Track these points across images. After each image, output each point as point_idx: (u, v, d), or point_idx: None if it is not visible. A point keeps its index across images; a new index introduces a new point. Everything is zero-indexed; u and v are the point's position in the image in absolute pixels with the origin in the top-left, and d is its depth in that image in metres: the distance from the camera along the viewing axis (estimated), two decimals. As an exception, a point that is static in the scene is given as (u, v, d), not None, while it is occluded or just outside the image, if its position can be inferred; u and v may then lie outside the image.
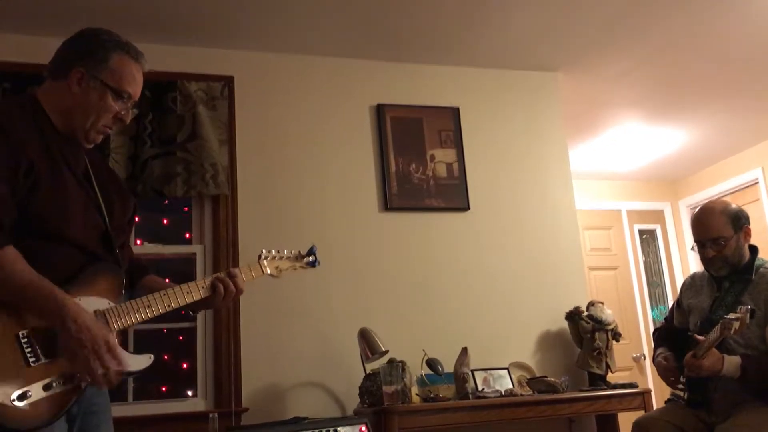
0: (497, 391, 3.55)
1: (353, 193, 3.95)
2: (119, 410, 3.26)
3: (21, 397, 1.61)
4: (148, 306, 1.89)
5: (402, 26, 3.85)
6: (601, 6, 3.77)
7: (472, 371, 3.62)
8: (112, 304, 1.83)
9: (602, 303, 3.98)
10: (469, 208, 4.10)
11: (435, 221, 4.04)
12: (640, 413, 3.30)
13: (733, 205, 2.97)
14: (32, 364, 1.65)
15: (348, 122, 4.06)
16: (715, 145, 6.04)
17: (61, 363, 1.70)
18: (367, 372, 3.46)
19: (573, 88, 4.67)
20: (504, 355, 3.88)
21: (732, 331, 2.56)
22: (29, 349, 1.66)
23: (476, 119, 4.27)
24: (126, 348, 1.84)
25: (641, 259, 6.82)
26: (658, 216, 6.99)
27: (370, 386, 3.38)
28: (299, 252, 2.31)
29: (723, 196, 6.27)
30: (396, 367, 3.29)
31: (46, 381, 1.66)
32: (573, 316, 3.91)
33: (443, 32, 3.95)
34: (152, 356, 1.87)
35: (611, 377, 3.88)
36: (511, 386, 3.67)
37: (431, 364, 3.51)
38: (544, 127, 4.43)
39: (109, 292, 1.84)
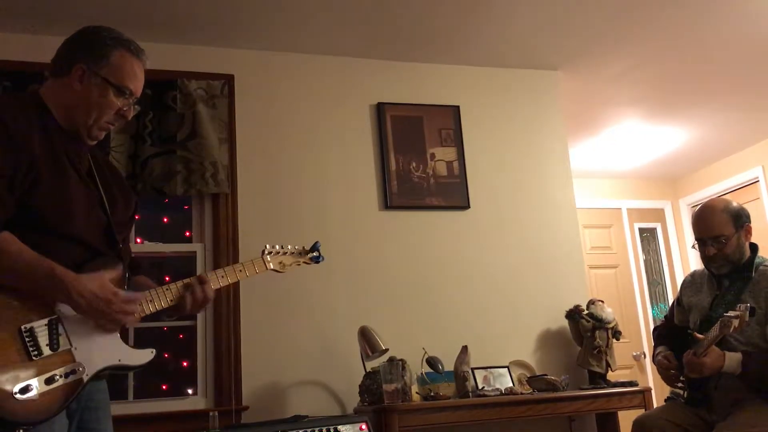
0: (497, 389, 3.55)
1: (353, 192, 3.95)
2: (119, 408, 3.27)
3: (23, 391, 1.62)
4: (151, 301, 1.91)
5: (402, 25, 3.85)
6: (601, 5, 3.77)
7: (473, 369, 3.62)
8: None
9: (602, 301, 3.98)
10: (469, 207, 4.10)
11: (435, 220, 4.04)
12: (641, 412, 3.30)
13: (734, 203, 2.97)
14: (34, 358, 1.66)
15: (348, 121, 4.05)
16: (715, 143, 6.03)
17: (63, 356, 1.71)
18: (368, 370, 3.46)
19: (573, 87, 4.67)
20: (504, 354, 3.88)
21: (731, 329, 2.56)
22: (31, 343, 1.67)
23: (476, 118, 4.27)
24: (127, 344, 1.86)
25: (641, 257, 6.82)
26: (658, 214, 6.99)
27: (371, 384, 3.38)
28: (303, 247, 2.31)
29: (723, 195, 6.27)
30: (396, 365, 3.30)
31: (48, 375, 1.67)
32: (573, 314, 3.91)
33: (443, 31, 3.95)
34: (154, 351, 1.90)
35: (611, 376, 3.88)
36: (511, 385, 3.67)
37: (431, 362, 3.52)
38: (545, 125, 4.43)
39: None
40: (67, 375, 1.70)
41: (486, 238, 4.10)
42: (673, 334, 3.12)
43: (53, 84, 1.91)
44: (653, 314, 6.64)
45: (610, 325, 3.87)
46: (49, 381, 1.67)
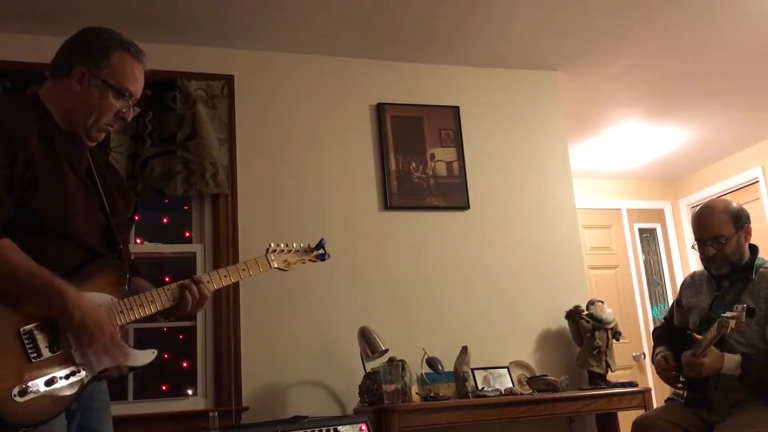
0: (497, 390, 3.55)
1: (353, 192, 3.95)
2: (119, 409, 3.27)
3: (22, 393, 1.62)
4: (152, 301, 1.90)
5: (402, 25, 3.85)
6: (601, 5, 3.77)
7: (472, 370, 3.62)
8: (115, 300, 1.84)
9: (602, 302, 3.98)
10: (469, 207, 4.10)
11: (435, 220, 4.04)
12: (640, 412, 3.30)
13: (734, 204, 2.97)
14: (33, 360, 1.66)
15: (348, 121, 4.06)
16: (715, 143, 6.04)
17: (62, 358, 1.71)
18: (367, 371, 3.46)
19: (573, 87, 4.67)
20: (504, 354, 3.88)
21: (729, 329, 2.56)
22: (30, 345, 1.67)
23: (476, 118, 4.27)
24: (128, 345, 1.86)
25: (641, 257, 6.82)
26: (658, 215, 6.99)
27: (370, 385, 3.38)
28: (309, 245, 2.30)
29: (723, 195, 6.27)
30: (396, 365, 3.29)
31: (48, 377, 1.67)
32: (573, 315, 3.91)
33: (443, 31, 3.95)
34: (155, 351, 1.89)
35: (611, 376, 3.89)
36: (511, 385, 3.67)
37: (431, 362, 3.52)
38: (544, 125, 4.43)
39: (112, 288, 1.85)
40: (67, 376, 1.70)
41: (486, 238, 4.10)
42: (672, 335, 3.11)
43: (53, 85, 1.91)
44: (653, 315, 6.64)
45: (610, 326, 3.87)
46: (49, 383, 1.67)
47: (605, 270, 6.53)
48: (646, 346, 6.39)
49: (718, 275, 2.95)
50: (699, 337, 2.75)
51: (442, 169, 4.10)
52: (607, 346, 3.83)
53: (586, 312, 3.90)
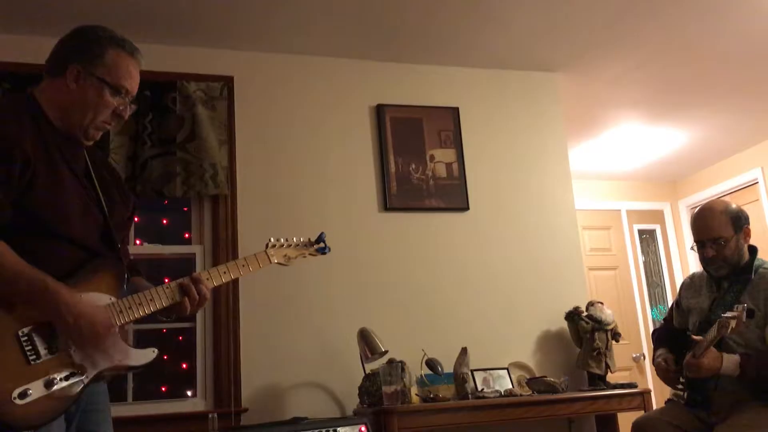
0: (497, 391, 3.55)
1: (353, 194, 3.95)
2: (119, 410, 3.26)
3: (22, 395, 1.62)
4: (151, 300, 1.90)
5: (402, 26, 3.85)
6: (600, 7, 3.77)
7: (472, 371, 3.62)
8: (114, 299, 1.83)
9: (602, 303, 3.98)
10: (468, 209, 4.10)
11: (434, 221, 4.04)
12: (640, 413, 3.31)
13: (734, 205, 2.97)
14: (32, 362, 1.66)
15: (347, 122, 4.05)
16: (714, 145, 6.04)
17: (61, 359, 1.70)
18: (367, 372, 3.46)
19: (572, 88, 4.67)
20: (503, 355, 3.88)
21: (729, 330, 2.57)
22: (29, 347, 1.66)
23: (476, 119, 4.28)
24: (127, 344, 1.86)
25: (641, 259, 6.82)
26: (657, 216, 6.99)
27: (370, 386, 3.38)
28: (309, 239, 2.28)
29: (722, 196, 6.27)
30: (395, 367, 3.29)
31: (47, 379, 1.67)
32: (572, 316, 3.91)
33: (443, 32, 3.95)
34: (156, 350, 1.88)
35: (611, 377, 3.88)
36: (510, 386, 3.67)
37: (431, 364, 3.51)
38: (544, 127, 4.43)
39: (111, 287, 1.85)
40: (66, 378, 1.70)
41: (485, 239, 4.10)
42: (672, 337, 3.11)
43: (48, 84, 1.90)
44: (653, 316, 6.64)
45: (610, 327, 3.87)
46: (48, 384, 1.66)
47: (605, 271, 6.53)
48: (646, 347, 6.39)
49: (718, 276, 2.95)
50: (698, 338, 2.75)
51: (441, 171, 4.10)
52: (606, 348, 3.83)
53: (585, 313, 3.90)
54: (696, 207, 5.86)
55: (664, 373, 3.00)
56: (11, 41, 3.56)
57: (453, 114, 4.22)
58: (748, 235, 2.92)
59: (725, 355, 2.69)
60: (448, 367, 3.56)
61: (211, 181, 3.62)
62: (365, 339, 3.45)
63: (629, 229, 6.80)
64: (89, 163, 1.96)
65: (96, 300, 1.79)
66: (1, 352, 1.63)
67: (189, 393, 3.65)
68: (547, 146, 4.40)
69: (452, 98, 4.26)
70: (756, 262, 2.89)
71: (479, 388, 3.60)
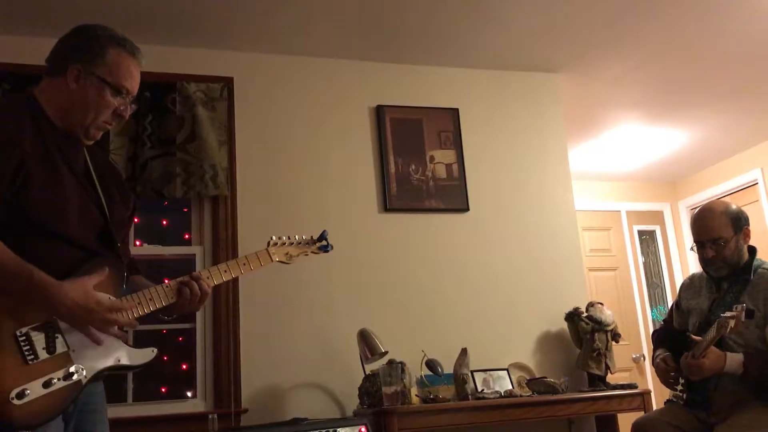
0: (497, 392, 3.55)
1: (353, 194, 3.95)
2: (118, 411, 3.27)
3: (20, 395, 1.61)
4: (151, 299, 1.90)
5: (401, 27, 3.85)
6: (600, 7, 3.77)
7: (472, 372, 3.62)
8: (113, 299, 1.83)
9: (602, 304, 3.97)
10: (468, 209, 4.10)
11: (434, 222, 4.04)
12: (640, 414, 3.31)
13: (734, 206, 2.98)
14: (31, 362, 1.65)
15: (347, 123, 4.06)
16: (714, 145, 6.04)
17: (60, 359, 1.70)
18: (367, 373, 3.46)
19: (572, 89, 4.67)
20: (503, 356, 3.88)
21: (728, 330, 2.57)
22: (27, 347, 1.66)
23: (476, 120, 4.28)
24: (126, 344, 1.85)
25: (641, 260, 6.82)
26: (657, 217, 6.99)
27: (370, 387, 3.38)
28: (311, 237, 2.26)
29: (722, 197, 6.27)
30: (395, 367, 3.29)
31: (45, 378, 1.66)
32: (572, 316, 3.91)
33: (443, 33, 3.95)
34: (155, 349, 1.88)
35: (611, 378, 3.88)
36: (510, 387, 3.67)
37: (431, 364, 3.51)
38: (544, 128, 4.43)
39: (110, 286, 1.84)
40: (65, 378, 1.69)
41: (485, 240, 4.10)
42: (672, 338, 3.11)
43: (48, 84, 1.89)
44: (652, 317, 6.64)
45: (610, 328, 3.86)
46: (46, 384, 1.66)
47: (605, 272, 6.53)
48: (646, 347, 6.39)
49: (717, 277, 2.95)
50: (698, 338, 2.76)
51: (441, 171, 4.10)
52: (606, 348, 3.83)
53: (585, 314, 3.90)
54: (696, 208, 5.86)
55: (663, 374, 3.00)
56: (11, 42, 3.57)
57: (453, 115, 4.22)
58: (747, 235, 2.93)
59: (729, 354, 2.69)
60: (448, 368, 3.56)
61: (211, 182, 3.62)
62: (365, 340, 3.45)
63: (629, 229, 6.80)
64: (89, 163, 1.95)
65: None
66: (0, 351, 1.63)
67: (189, 394, 3.65)
68: (547, 147, 4.40)
69: (452, 99, 4.26)
70: (755, 263, 2.89)
71: (479, 389, 3.60)
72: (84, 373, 1.73)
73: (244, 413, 3.46)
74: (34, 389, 1.64)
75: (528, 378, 3.77)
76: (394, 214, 3.98)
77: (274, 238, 2.19)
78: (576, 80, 4.59)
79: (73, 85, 1.86)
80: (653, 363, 3.11)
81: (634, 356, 6.36)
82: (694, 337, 2.79)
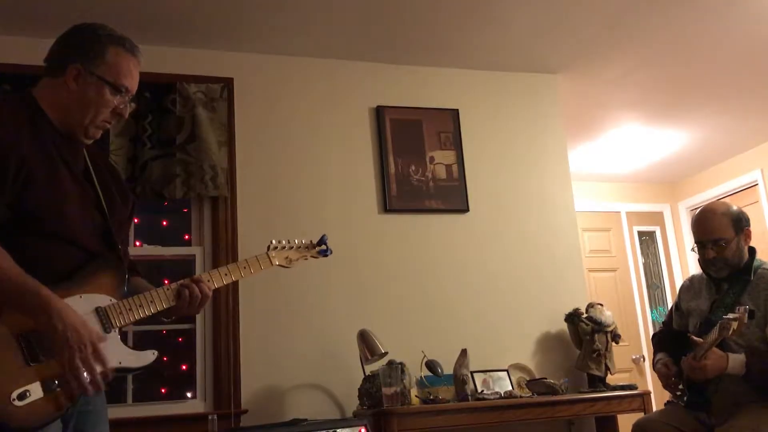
0: (497, 392, 3.55)
1: (353, 195, 3.95)
2: (118, 412, 3.27)
3: (21, 397, 1.61)
4: (152, 302, 1.89)
5: (401, 28, 3.85)
6: (600, 8, 3.77)
7: (472, 373, 3.62)
8: (114, 301, 1.83)
9: (602, 305, 3.97)
10: (468, 210, 4.10)
11: (434, 223, 4.04)
12: (640, 415, 3.30)
13: (735, 207, 2.97)
14: (31, 364, 1.65)
15: (347, 124, 4.06)
16: (714, 146, 6.04)
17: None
18: (367, 373, 3.46)
19: (572, 90, 4.68)
20: (503, 357, 3.87)
21: (730, 332, 2.56)
22: (29, 349, 1.66)
23: (476, 121, 4.28)
24: (127, 346, 1.85)
25: (641, 260, 6.82)
26: (657, 218, 6.99)
27: (370, 388, 3.38)
28: (311, 241, 2.27)
29: (722, 198, 6.27)
30: (395, 368, 3.29)
31: (46, 381, 1.66)
32: (572, 317, 3.91)
33: (442, 34, 3.95)
34: (156, 352, 1.87)
35: (611, 379, 3.88)
36: (510, 388, 3.67)
37: (430, 365, 3.51)
38: (544, 129, 4.43)
39: (111, 288, 1.84)
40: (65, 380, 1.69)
41: (485, 241, 4.10)
42: (672, 340, 3.11)
43: (48, 84, 1.89)
44: (652, 317, 6.64)
45: (610, 329, 3.86)
46: (47, 386, 1.65)
47: (604, 273, 6.53)
48: (646, 349, 6.38)
49: (718, 278, 2.94)
50: (699, 340, 2.75)
51: (441, 172, 4.10)
52: (606, 349, 3.83)
53: (585, 315, 3.89)
54: (696, 209, 5.87)
55: (665, 379, 2.98)
56: (11, 42, 3.57)
57: (453, 116, 4.22)
58: (748, 236, 2.92)
59: (731, 355, 2.68)
60: (447, 369, 3.56)
61: (211, 183, 3.62)
62: (365, 340, 3.45)
63: (629, 230, 6.80)
64: (88, 163, 1.95)
65: (96, 301, 1.78)
66: (1, 353, 1.62)
67: (189, 394, 3.64)
68: (547, 148, 4.40)
69: (452, 100, 4.26)
70: (755, 263, 2.89)
71: (479, 390, 3.59)
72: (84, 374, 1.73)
73: (243, 414, 3.46)
74: (35, 391, 1.63)
75: (528, 379, 3.76)
76: (394, 214, 3.98)
77: (274, 242, 2.19)
78: (576, 81, 4.59)
79: (72, 85, 1.85)
80: (654, 367, 3.10)
81: (633, 357, 6.36)
82: (695, 338, 2.78)
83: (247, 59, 3.96)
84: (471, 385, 3.55)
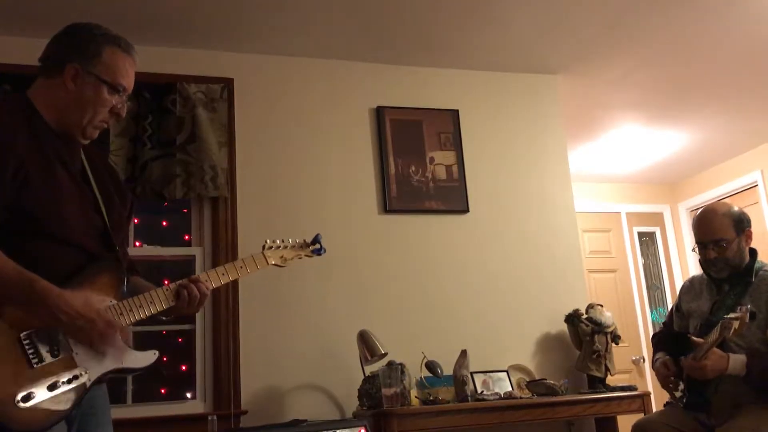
0: (496, 393, 3.55)
1: (353, 196, 3.95)
2: (118, 412, 3.25)
3: (25, 399, 1.61)
4: (151, 302, 1.90)
5: (401, 29, 3.85)
6: (600, 9, 3.77)
7: (472, 374, 3.62)
8: (114, 301, 1.83)
9: (601, 305, 3.97)
10: (468, 211, 4.10)
11: (434, 223, 4.04)
12: (640, 416, 3.30)
13: (736, 208, 2.98)
14: (35, 365, 1.65)
15: (347, 124, 4.05)
16: (714, 147, 6.04)
17: (64, 362, 1.70)
18: (367, 374, 3.46)
19: (572, 91, 4.67)
20: (503, 358, 3.87)
21: (731, 332, 2.56)
22: (32, 351, 1.66)
23: (476, 122, 4.28)
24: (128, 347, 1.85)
25: (640, 261, 6.82)
26: (657, 218, 6.99)
27: (370, 389, 3.38)
28: (304, 240, 2.29)
29: (722, 199, 6.27)
30: (395, 369, 3.29)
31: (51, 382, 1.66)
32: (572, 318, 3.91)
33: (443, 35, 3.95)
34: (156, 352, 1.88)
35: (610, 380, 3.88)
36: (510, 389, 3.67)
37: (430, 366, 3.51)
38: (544, 129, 4.43)
39: (110, 289, 1.84)
40: (69, 381, 1.69)
41: (485, 241, 4.10)
42: (672, 340, 3.11)
43: (44, 84, 1.88)
44: (652, 318, 6.63)
45: (609, 329, 3.86)
46: (51, 387, 1.66)
47: (604, 273, 6.53)
48: (646, 349, 6.38)
49: (718, 279, 2.94)
50: (699, 340, 2.75)
51: (441, 173, 4.10)
52: (606, 350, 3.83)
53: (585, 315, 3.89)
54: (696, 209, 5.88)
55: (664, 379, 2.98)
56: (11, 42, 3.56)
57: (453, 116, 4.22)
58: (749, 237, 2.92)
59: (731, 356, 2.68)
60: (447, 370, 3.56)
61: (211, 183, 3.62)
62: (365, 341, 3.45)
63: (629, 231, 6.79)
64: (86, 164, 1.94)
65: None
66: (4, 355, 1.62)
67: (188, 395, 3.64)
68: (547, 148, 4.40)
69: (452, 100, 4.26)
70: (756, 265, 2.89)
71: (479, 391, 3.59)
72: (88, 375, 1.73)
73: (243, 414, 3.46)
74: (40, 392, 1.64)
75: (528, 380, 3.76)
76: (394, 215, 3.98)
77: (268, 241, 2.20)
78: (576, 81, 4.59)
79: (71, 85, 1.85)
80: (653, 367, 3.11)
81: (633, 358, 6.36)
82: (695, 339, 2.78)
83: (247, 59, 3.96)
84: (471, 386, 3.55)
